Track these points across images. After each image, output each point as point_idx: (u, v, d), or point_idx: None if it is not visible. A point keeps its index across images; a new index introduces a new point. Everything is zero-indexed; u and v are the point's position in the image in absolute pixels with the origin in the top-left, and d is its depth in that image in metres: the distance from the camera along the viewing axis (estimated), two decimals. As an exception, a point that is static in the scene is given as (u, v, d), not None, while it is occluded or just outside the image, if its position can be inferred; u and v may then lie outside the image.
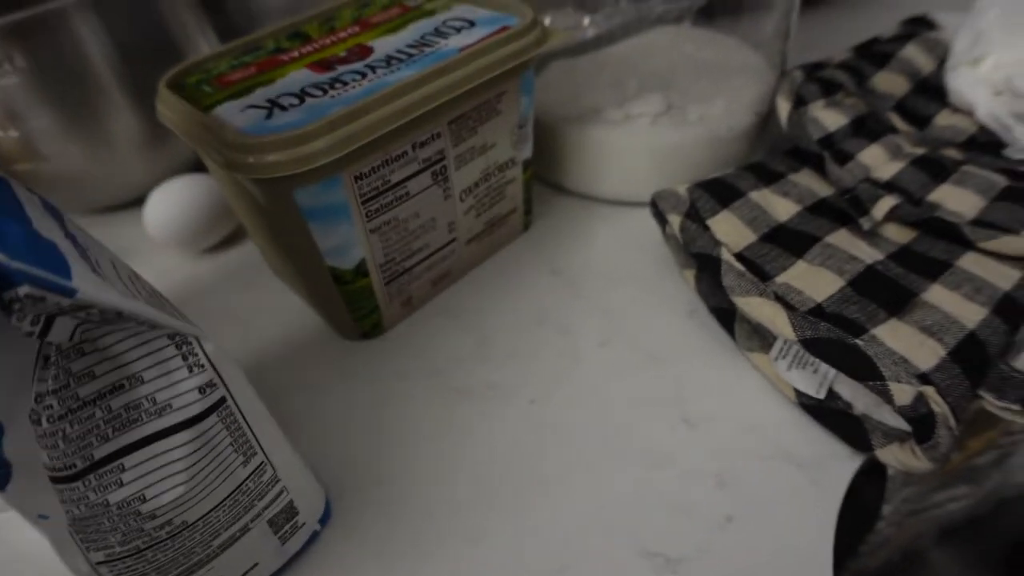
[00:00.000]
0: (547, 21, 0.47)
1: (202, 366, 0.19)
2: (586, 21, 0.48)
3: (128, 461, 0.19)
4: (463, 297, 0.35)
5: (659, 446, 0.28)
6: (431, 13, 0.34)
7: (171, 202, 0.40)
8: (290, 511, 0.24)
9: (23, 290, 0.15)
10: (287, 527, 0.25)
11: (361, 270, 0.30)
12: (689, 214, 0.32)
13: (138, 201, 0.46)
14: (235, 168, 0.26)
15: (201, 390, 0.19)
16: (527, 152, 0.35)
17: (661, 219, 0.34)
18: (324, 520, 0.27)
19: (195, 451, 0.20)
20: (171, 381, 0.19)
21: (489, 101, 0.31)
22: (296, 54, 0.32)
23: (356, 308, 0.32)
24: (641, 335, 0.32)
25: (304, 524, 0.25)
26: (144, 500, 0.19)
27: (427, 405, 0.30)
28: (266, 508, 0.23)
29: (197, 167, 0.48)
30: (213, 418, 0.20)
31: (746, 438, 0.28)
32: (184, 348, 0.19)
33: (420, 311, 0.35)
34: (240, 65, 0.32)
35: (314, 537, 0.26)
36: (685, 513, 0.26)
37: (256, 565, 0.24)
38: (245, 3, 0.48)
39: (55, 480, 0.19)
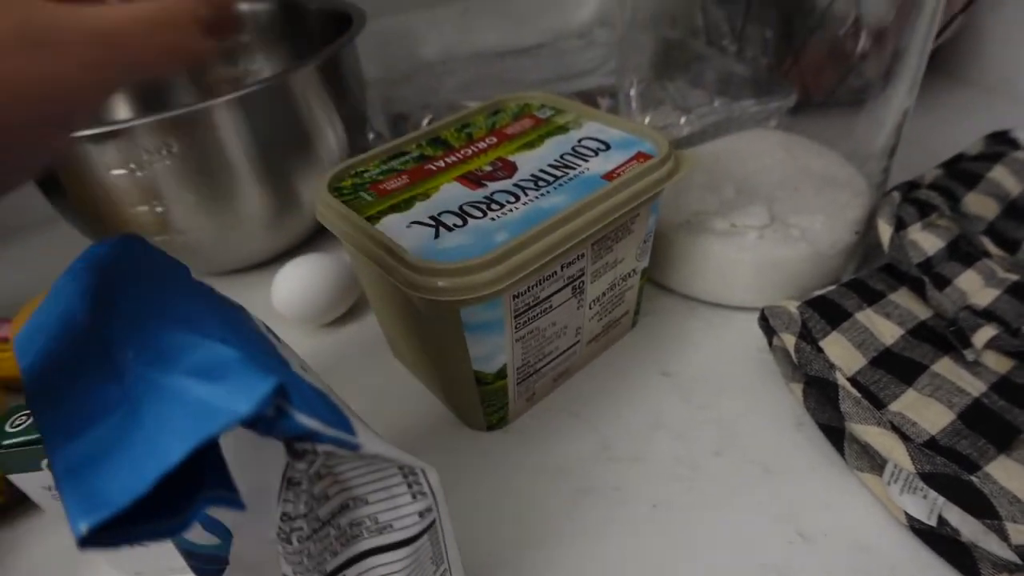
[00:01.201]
0: (647, 120, 0.50)
1: (424, 494, 0.22)
2: (683, 120, 0.52)
3: (350, 572, 0.22)
4: (579, 393, 0.38)
5: (778, 560, 0.30)
6: (565, 129, 0.38)
7: (296, 280, 0.43)
8: (448, 608, 0.27)
9: (324, 447, 0.18)
10: (444, 621, 0.27)
11: (501, 374, 0.33)
12: (802, 335, 0.34)
13: (257, 266, 0.50)
14: (411, 287, 0.29)
15: (421, 514, 0.22)
16: (646, 262, 0.38)
17: (769, 332, 0.36)
18: (468, 612, 0.29)
19: (407, 565, 0.22)
20: (394, 505, 0.22)
21: (625, 223, 0.34)
22: (442, 164, 0.36)
23: (488, 405, 0.35)
24: (753, 446, 0.34)
25: (454, 617, 0.28)
26: (363, 607, 0.22)
27: (551, 500, 0.33)
28: (436, 607, 0.26)
29: (309, 242, 0.51)
30: (426, 537, 0.22)
31: (860, 556, 0.30)
32: (410, 478, 0.22)
33: (539, 404, 0.37)
34: (391, 172, 0.35)
35: (460, 628, 0.29)
36: (808, 628, 0.28)
37: (418, 656, 0.27)
38: (363, 97, 0.52)
39: (294, 590, 0.21)
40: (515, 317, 0.31)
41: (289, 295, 0.43)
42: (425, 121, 0.51)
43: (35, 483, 0.27)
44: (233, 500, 0.17)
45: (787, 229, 0.40)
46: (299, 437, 0.17)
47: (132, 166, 0.39)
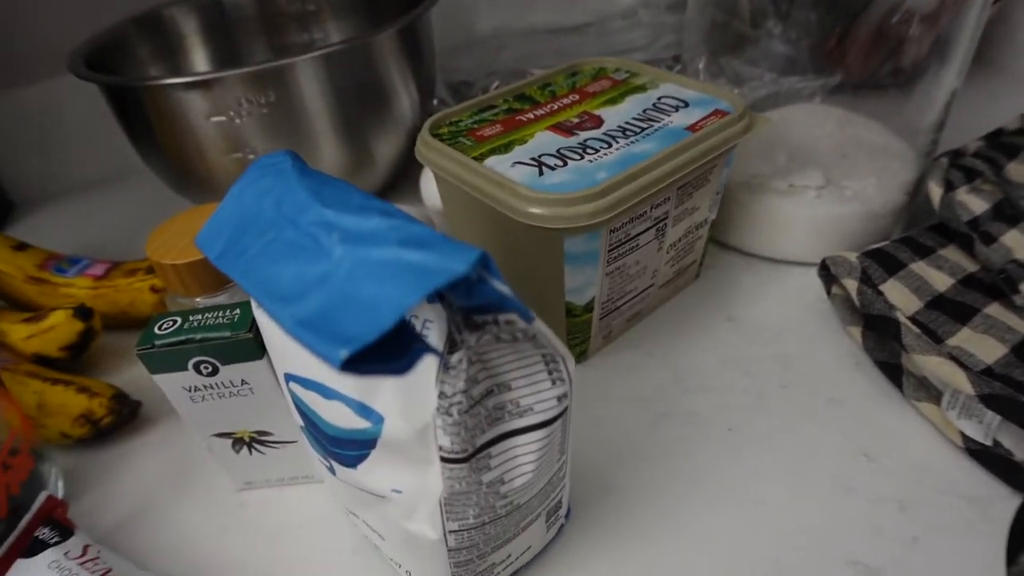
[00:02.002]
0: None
1: (563, 380, 0.25)
2: (735, 92, 0.55)
3: (494, 450, 0.24)
4: (650, 334, 0.41)
5: (845, 474, 0.33)
6: (643, 88, 0.40)
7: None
8: (559, 505, 0.30)
9: (506, 316, 0.21)
10: (552, 518, 0.30)
11: (589, 306, 0.36)
12: (863, 279, 0.37)
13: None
14: (523, 216, 0.31)
15: (559, 399, 0.25)
16: (715, 214, 0.41)
17: (829, 280, 0.39)
18: (568, 515, 0.32)
19: (544, 447, 0.25)
20: (536, 390, 0.24)
21: (704, 172, 0.37)
22: (531, 116, 0.38)
23: (573, 337, 0.37)
24: (816, 381, 0.37)
25: (560, 518, 0.31)
26: (503, 482, 0.25)
27: (634, 425, 0.35)
28: (552, 500, 0.28)
29: (382, 193, 0.54)
30: (559, 422, 0.25)
31: (920, 473, 0.33)
32: (551, 365, 0.24)
33: (613, 344, 0.40)
34: (485, 121, 0.38)
35: (561, 530, 0.32)
36: (877, 532, 0.30)
37: (529, 548, 0.30)
38: (435, 64, 0.54)
39: (449, 461, 0.24)
40: (609, 251, 0.34)
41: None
42: (493, 86, 0.54)
43: (177, 383, 0.30)
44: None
45: (841, 190, 0.43)
46: (488, 305, 0.20)
47: (232, 114, 0.42)
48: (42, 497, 0.32)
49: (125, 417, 0.38)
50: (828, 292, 0.40)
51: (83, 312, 0.40)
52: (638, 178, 0.32)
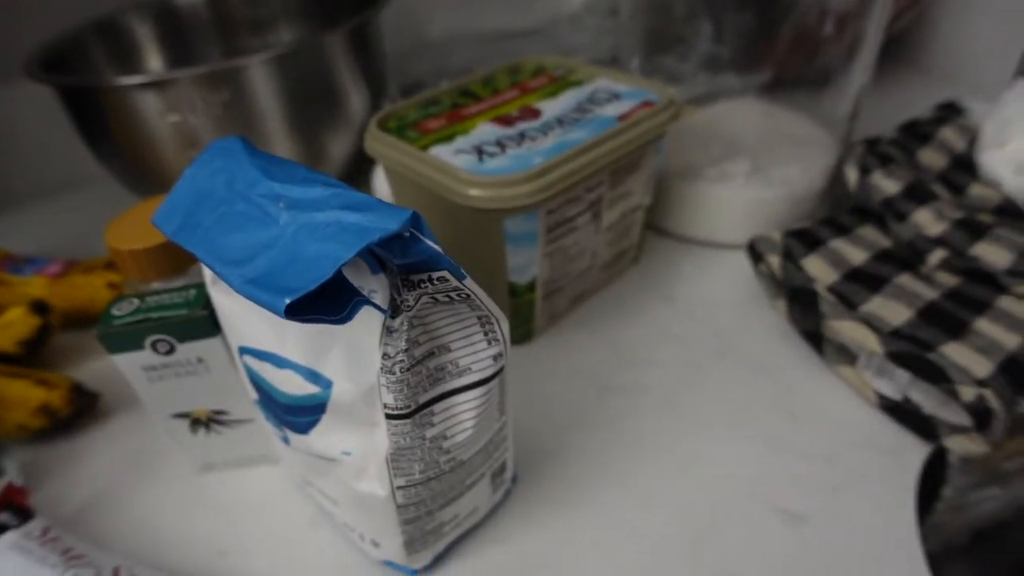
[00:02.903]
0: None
1: (498, 340, 0.27)
2: (672, 91, 0.58)
3: (436, 408, 0.26)
4: (593, 314, 0.43)
5: (774, 433, 0.35)
6: (579, 83, 0.43)
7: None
8: (503, 467, 0.32)
9: (439, 274, 0.23)
10: (498, 480, 0.32)
11: (531, 286, 0.38)
12: (786, 255, 0.40)
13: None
14: (463, 199, 0.33)
15: (495, 358, 0.27)
16: (649, 199, 0.43)
17: (756, 258, 0.42)
18: (514, 480, 0.34)
19: (482, 404, 0.27)
20: (473, 350, 0.26)
21: (635, 158, 0.39)
22: (475, 110, 0.41)
23: (517, 317, 0.39)
24: (748, 351, 0.40)
25: (505, 481, 0.32)
26: (446, 438, 0.27)
27: (579, 398, 0.38)
28: (495, 460, 0.30)
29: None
30: (496, 380, 0.27)
31: (842, 429, 0.35)
32: (487, 326, 0.26)
33: (559, 324, 0.42)
34: (430, 115, 0.40)
35: (508, 493, 0.33)
36: (802, 483, 0.33)
37: (476, 509, 0.31)
38: (385, 66, 0.56)
39: (394, 417, 0.26)
40: (548, 232, 0.36)
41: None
42: (442, 86, 0.56)
43: (136, 363, 0.31)
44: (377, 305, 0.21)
45: (768, 176, 0.46)
46: (422, 262, 0.22)
47: (187, 113, 0.43)
48: (1, 484, 0.33)
49: (83, 408, 0.39)
50: (756, 269, 0.43)
51: (40, 307, 0.41)
52: (572, 161, 0.35)
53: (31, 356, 0.41)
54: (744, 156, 0.47)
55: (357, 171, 0.56)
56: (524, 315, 0.39)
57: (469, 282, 0.24)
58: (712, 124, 0.52)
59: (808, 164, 0.47)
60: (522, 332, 0.41)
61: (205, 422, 0.34)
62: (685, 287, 0.45)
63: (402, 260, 0.22)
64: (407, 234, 0.21)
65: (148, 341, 0.30)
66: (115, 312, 0.30)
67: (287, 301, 0.19)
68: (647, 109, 0.39)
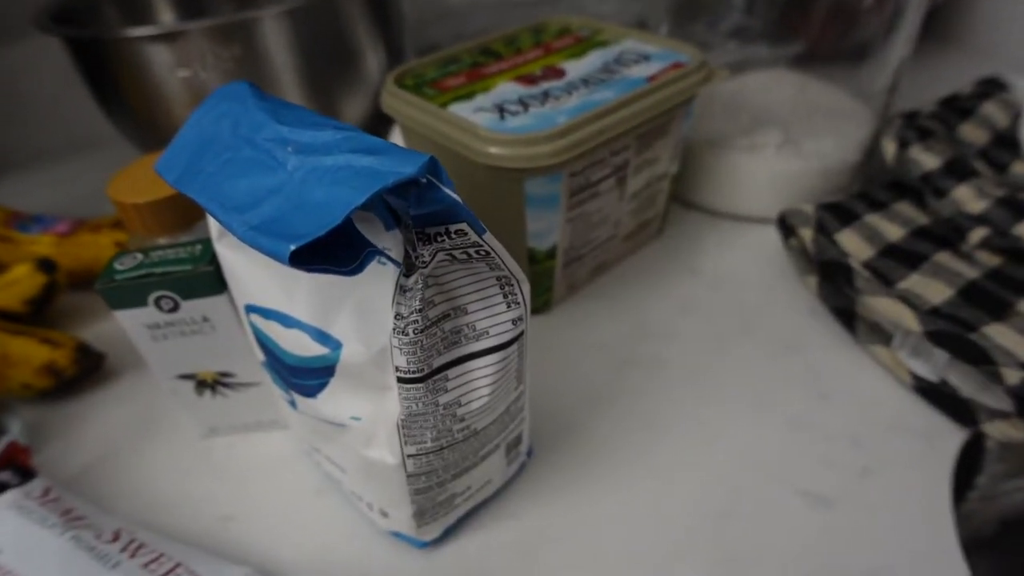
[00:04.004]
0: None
1: (518, 303, 0.25)
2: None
3: (451, 373, 0.25)
4: (615, 285, 0.41)
5: (802, 412, 0.34)
6: (605, 44, 0.41)
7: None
8: (518, 439, 0.30)
9: (456, 226, 0.21)
10: (513, 452, 0.30)
11: (551, 253, 0.36)
12: (819, 228, 0.38)
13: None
14: (482, 157, 0.32)
15: (514, 322, 0.25)
16: (676, 167, 0.41)
17: (787, 232, 0.40)
18: (530, 454, 0.32)
19: (499, 370, 0.25)
20: (491, 313, 0.25)
21: (664, 122, 0.37)
22: (496, 69, 0.39)
23: (537, 286, 0.38)
24: (774, 327, 0.38)
25: (521, 454, 0.31)
26: (460, 404, 0.25)
27: (598, 369, 0.36)
28: (511, 432, 0.29)
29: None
30: (515, 346, 0.26)
31: (872, 410, 0.34)
32: (506, 288, 0.25)
33: (578, 294, 0.41)
34: (449, 73, 0.38)
35: (523, 467, 0.32)
36: (829, 465, 0.31)
37: (489, 482, 0.30)
38: (403, 28, 0.55)
39: (406, 380, 0.24)
40: (570, 196, 0.35)
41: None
42: (462, 49, 0.54)
43: (139, 320, 0.30)
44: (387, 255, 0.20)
45: (800, 148, 0.44)
46: (439, 213, 0.21)
47: (197, 67, 0.42)
48: (4, 443, 0.32)
49: (89, 368, 0.38)
50: (786, 243, 0.41)
51: (46, 265, 0.40)
52: (597, 121, 0.33)
53: (37, 315, 0.40)
54: (775, 127, 0.45)
55: (373, 133, 0.54)
56: (543, 283, 0.38)
57: (489, 237, 0.22)
58: (742, 93, 0.50)
59: (843, 137, 0.45)
60: (541, 301, 0.39)
61: (211, 384, 0.33)
62: (710, 261, 0.43)
63: (417, 210, 0.20)
64: (424, 180, 0.20)
65: (151, 297, 0.29)
66: (117, 266, 0.29)
67: (292, 248, 0.17)
68: (678, 70, 0.37)
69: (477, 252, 0.23)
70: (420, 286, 0.23)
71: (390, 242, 0.22)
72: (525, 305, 0.25)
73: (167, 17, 0.57)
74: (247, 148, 0.22)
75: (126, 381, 0.39)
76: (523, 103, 0.35)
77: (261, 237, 0.19)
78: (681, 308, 0.39)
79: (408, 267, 0.23)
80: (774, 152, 0.44)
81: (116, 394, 0.38)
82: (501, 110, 0.34)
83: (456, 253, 0.23)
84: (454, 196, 0.20)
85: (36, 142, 0.62)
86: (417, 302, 0.23)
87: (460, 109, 0.34)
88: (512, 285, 0.25)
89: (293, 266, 0.18)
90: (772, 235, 0.44)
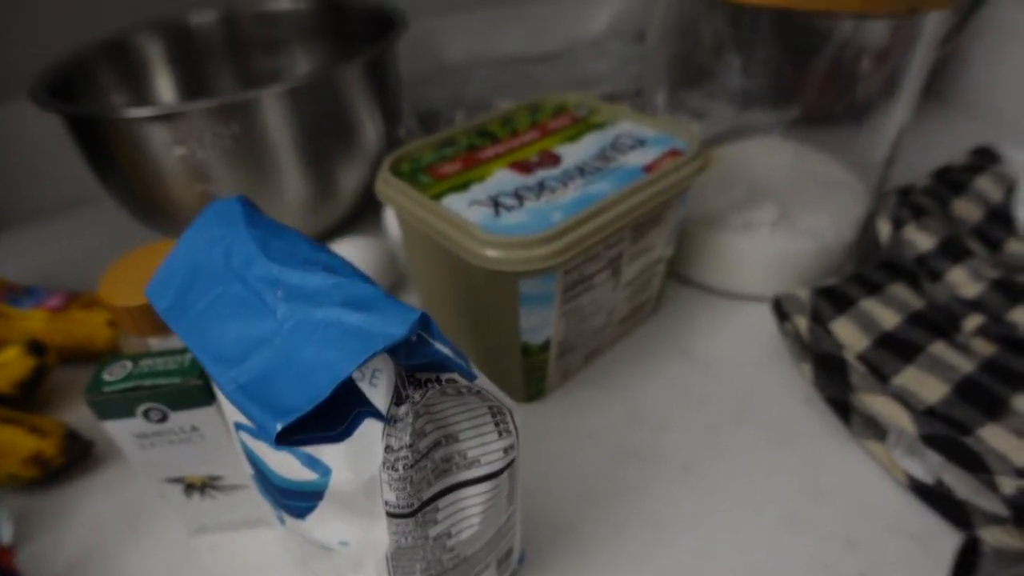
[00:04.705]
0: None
1: (509, 432, 0.25)
2: (695, 128, 0.56)
3: (441, 503, 0.25)
4: (607, 370, 0.41)
5: (796, 512, 0.33)
6: (601, 126, 0.41)
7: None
8: (509, 551, 0.30)
9: (448, 376, 0.21)
10: (504, 565, 0.30)
11: (545, 346, 0.36)
12: (813, 317, 0.38)
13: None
14: (478, 259, 0.32)
15: (505, 451, 0.25)
16: (672, 251, 0.41)
17: (782, 317, 0.40)
18: (521, 560, 0.32)
19: (491, 499, 0.25)
20: (482, 441, 0.25)
21: (659, 212, 0.37)
22: (492, 153, 0.39)
23: (530, 376, 0.38)
24: (769, 417, 0.38)
25: (512, 563, 0.31)
26: (451, 536, 0.25)
27: (590, 462, 0.36)
28: (502, 548, 0.29)
29: (344, 226, 0.54)
30: (506, 474, 0.25)
31: (867, 511, 0.33)
32: (498, 416, 0.25)
33: (572, 380, 0.41)
34: (445, 158, 0.38)
35: (514, 574, 0.32)
36: (823, 569, 0.31)
37: (480, 593, 0.30)
38: (400, 95, 0.55)
39: (395, 516, 0.24)
40: (564, 292, 0.34)
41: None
42: (458, 116, 0.54)
43: (127, 430, 0.29)
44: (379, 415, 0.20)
45: (795, 225, 0.44)
46: (430, 364, 0.20)
47: (195, 145, 0.42)
48: (-12, 543, 0.32)
49: (77, 457, 0.38)
50: (781, 328, 0.41)
51: (36, 348, 0.40)
52: (593, 219, 0.33)
53: (26, 397, 0.40)
54: (770, 203, 0.45)
55: (369, 204, 0.54)
56: (537, 374, 0.38)
57: (480, 381, 0.22)
58: (737, 163, 0.50)
59: (838, 214, 0.45)
60: (534, 390, 0.39)
61: (200, 487, 0.32)
62: (704, 341, 0.43)
63: (407, 361, 0.20)
64: (414, 338, 0.19)
65: (140, 409, 0.29)
66: (106, 377, 0.29)
67: (279, 427, 0.17)
68: (674, 159, 0.37)
69: (468, 391, 0.23)
70: (410, 418, 0.23)
71: (382, 364, 0.22)
72: (516, 433, 0.25)
73: (164, 82, 0.57)
74: (238, 284, 0.22)
75: (114, 469, 0.38)
76: (518, 196, 0.35)
77: (248, 402, 0.18)
78: (675, 395, 0.39)
79: (397, 398, 0.22)
80: (769, 231, 0.44)
81: (104, 483, 0.37)
82: (496, 204, 0.34)
83: (447, 389, 0.23)
84: (445, 350, 0.20)
85: (30, 201, 0.62)
86: (407, 436, 0.23)
87: (455, 202, 0.34)
88: (503, 414, 0.25)
89: (279, 445, 0.17)
90: (767, 314, 0.44)
